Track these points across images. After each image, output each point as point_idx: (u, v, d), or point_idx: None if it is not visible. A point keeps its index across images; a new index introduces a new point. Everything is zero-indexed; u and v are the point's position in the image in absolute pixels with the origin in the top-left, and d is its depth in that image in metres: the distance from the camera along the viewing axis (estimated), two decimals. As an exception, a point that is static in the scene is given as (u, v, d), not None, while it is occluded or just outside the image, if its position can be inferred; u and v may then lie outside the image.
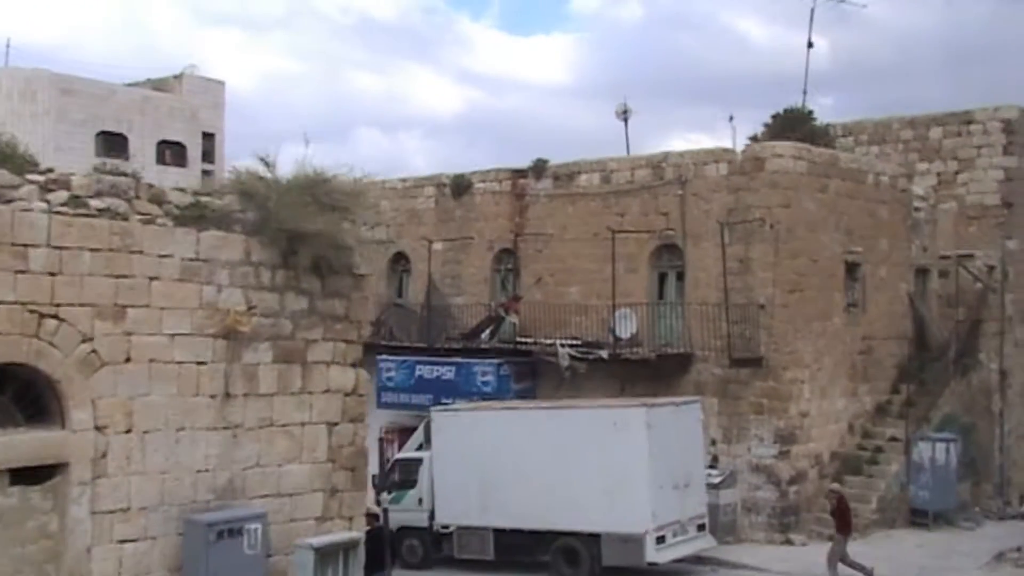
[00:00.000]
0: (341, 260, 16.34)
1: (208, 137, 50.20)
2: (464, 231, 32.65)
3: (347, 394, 16.68)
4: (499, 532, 25.10)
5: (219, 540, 14.57)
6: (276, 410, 15.91)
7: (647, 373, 28.45)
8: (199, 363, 15.23)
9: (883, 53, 75.98)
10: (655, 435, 23.55)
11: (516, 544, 25.01)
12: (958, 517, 28.69)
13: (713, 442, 27.81)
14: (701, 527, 24.87)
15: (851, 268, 29.16)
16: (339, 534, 15.89)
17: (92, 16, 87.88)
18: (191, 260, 15.15)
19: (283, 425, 15.99)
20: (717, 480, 27.13)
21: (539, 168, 31.25)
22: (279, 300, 16.00)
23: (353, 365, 16.80)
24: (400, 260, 34.35)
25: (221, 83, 51.41)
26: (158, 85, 50.08)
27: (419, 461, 26.63)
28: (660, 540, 23.38)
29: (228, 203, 15.69)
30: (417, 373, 31.38)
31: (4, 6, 77.36)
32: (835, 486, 24.48)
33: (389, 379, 31.90)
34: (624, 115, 35.71)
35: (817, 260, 28.02)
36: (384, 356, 32.08)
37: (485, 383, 30.14)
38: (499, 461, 25.08)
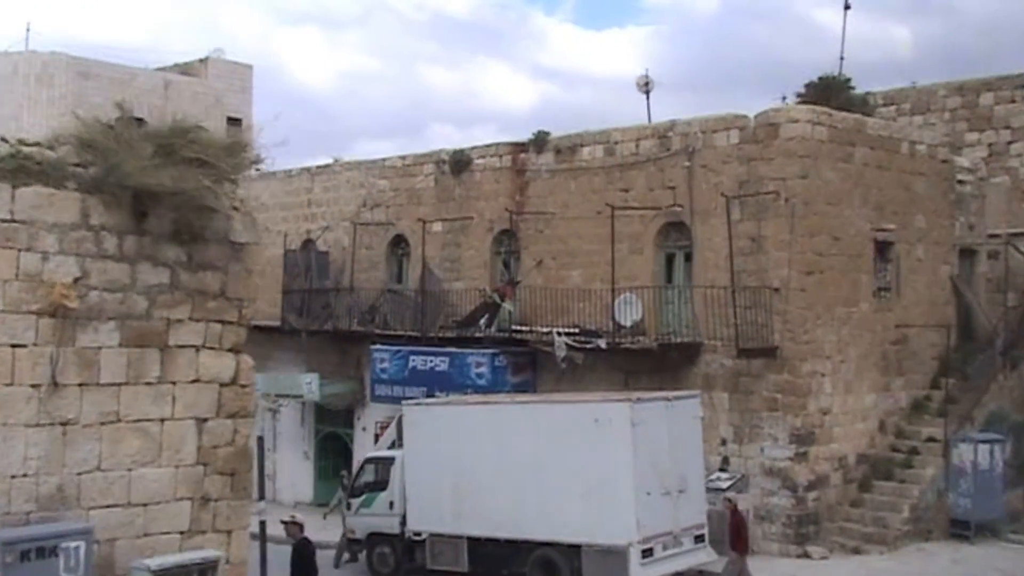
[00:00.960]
0: (211, 226, 13.34)
1: (234, 123, 47.65)
2: (464, 211, 29.55)
3: (224, 385, 13.65)
4: (474, 541, 22.03)
5: (24, 562, 11.67)
6: (124, 403, 12.93)
7: (652, 365, 25.17)
8: (15, 346, 12.30)
9: (967, 40, 70.91)
10: (642, 434, 20.29)
11: (492, 554, 21.92)
12: (1005, 529, 24.76)
13: (723, 442, 24.41)
14: (699, 539, 21.49)
15: (882, 247, 25.45)
16: (189, 553, 12.89)
17: (171, 18, 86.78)
18: (4, 222, 12.29)
19: (134, 421, 13.00)
20: (725, 484, 23.74)
21: (540, 141, 28.04)
22: (129, 272, 13.01)
23: (233, 350, 13.78)
24: (400, 243, 31.34)
25: (249, 67, 48.81)
26: (184, 70, 47.76)
27: (391, 460, 23.67)
28: (647, 553, 20.11)
29: (62, 155, 12.79)
30: (410, 364, 28.42)
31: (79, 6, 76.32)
32: (730, 495, 20.51)
33: (383, 370, 29.02)
34: (646, 87, 32.35)
35: (840, 238, 24.42)
36: (378, 346, 29.23)
37: (479, 375, 27.09)
38: (473, 461, 22.03)
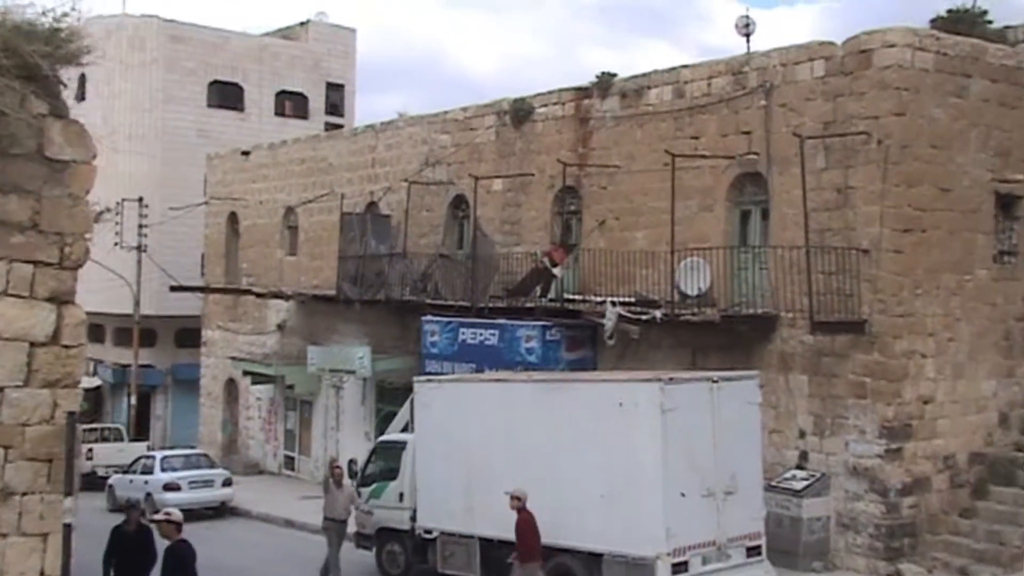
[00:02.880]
0: (8, 135, 9.95)
1: (336, 88, 44.89)
2: (525, 167, 25.69)
3: (38, 344, 10.26)
4: (486, 542, 18.29)
5: None
6: None
7: (722, 341, 20.96)
8: None
9: None
10: (676, 422, 16.12)
11: (505, 559, 18.12)
12: None
13: (801, 434, 20.00)
14: (753, 551, 17.18)
15: (1006, 202, 20.46)
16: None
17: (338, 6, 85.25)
18: None
19: None
20: (801, 485, 19.40)
21: (604, 84, 23.93)
22: None
23: (53, 300, 10.37)
24: (460, 204, 27.67)
25: (352, 31, 45.80)
26: (285, 35, 45.17)
27: (402, 446, 20.09)
28: (679, 568, 15.99)
29: None
30: (460, 337, 24.76)
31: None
32: (515, 491, 16.29)
33: (433, 344, 25.44)
34: (746, 28, 27.74)
35: (949, 189, 19.62)
36: (428, 317, 25.65)
37: (529, 351, 23.25)
38: (484, 449, 18.29)
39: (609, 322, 21.30)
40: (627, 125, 23.37)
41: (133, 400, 38.73)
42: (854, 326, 19.05)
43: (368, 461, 20.87)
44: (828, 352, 19.62)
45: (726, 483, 16.70)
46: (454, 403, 19.01)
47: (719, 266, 21.13)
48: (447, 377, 21.28)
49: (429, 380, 20.29)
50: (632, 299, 22.00)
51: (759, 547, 17.26)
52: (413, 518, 19.38)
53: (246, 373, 32.93)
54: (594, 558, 16.65)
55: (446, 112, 28.14)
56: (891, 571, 18.59)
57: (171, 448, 33.82)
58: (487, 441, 18.20)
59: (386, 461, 20.32)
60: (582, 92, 24.44)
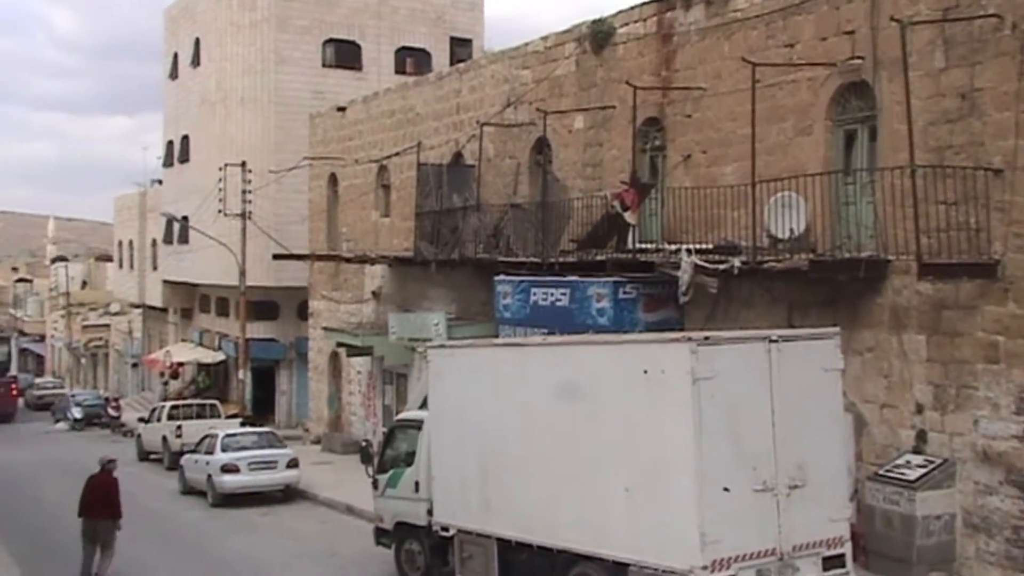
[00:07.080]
0: None
1: (462, 43, 41.64)
2: (607, 98, 21.79)
3: None
4: (504, 544, 14.74)
5: None
6: None
7: (822, 295, 16.72)
8: None
9: None
10: (715, 394, 12.17)
11: (523, 564, 14.55)
12: None
13: (919, 409, 15.55)
14: (833, 562, 13.03)
15: None
16: None
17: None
18: None
19: None
20: (915, 474, 15.03)
21: (689, -9, 19.80)
22: None
23: None
24: (543, 148, 23.92)
25: (480, -19, 42.66)
26: (409, -14, 42.20)
27: (418, 425, 16.66)
28: (725, 584, 12.05)
29: None
30: (532, 298, 21.13)
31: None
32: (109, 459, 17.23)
33: (505, 307, 21.89)
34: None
35: (1112, 87, 14.76)
36: (501, 277, 22.11)
37: (600, 312, 19.42)
38: (502, 430, 14.75)
39: (684, 274, 17.25)
40: (713, 38, 19.19)
41: (241, 375, 36.64)
42: (981, 269, 14.48)
43: (386, 443, 17.53)
44: (951, 304, 15.09)
45: (791, 474, 12.64)
46: (468, 374, 15.46)
47: (819, 202, 16.76)
48: (460, 343, 17.69)
49: (442, 346, 16.78)
50: (720, 245, 17.92)
51: (841, 557, 13.09)
52: (430, 512, 15.96)
53: (340, 345, 30.18)
54: (620, 568, 12.88)
55: (527, 44, 24.43)
56: (1034, 586, 14.04)
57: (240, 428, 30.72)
58: (503, 420, 14.65)
59: (404, 443, 16.95)
60: (665, 4, 20.33)
